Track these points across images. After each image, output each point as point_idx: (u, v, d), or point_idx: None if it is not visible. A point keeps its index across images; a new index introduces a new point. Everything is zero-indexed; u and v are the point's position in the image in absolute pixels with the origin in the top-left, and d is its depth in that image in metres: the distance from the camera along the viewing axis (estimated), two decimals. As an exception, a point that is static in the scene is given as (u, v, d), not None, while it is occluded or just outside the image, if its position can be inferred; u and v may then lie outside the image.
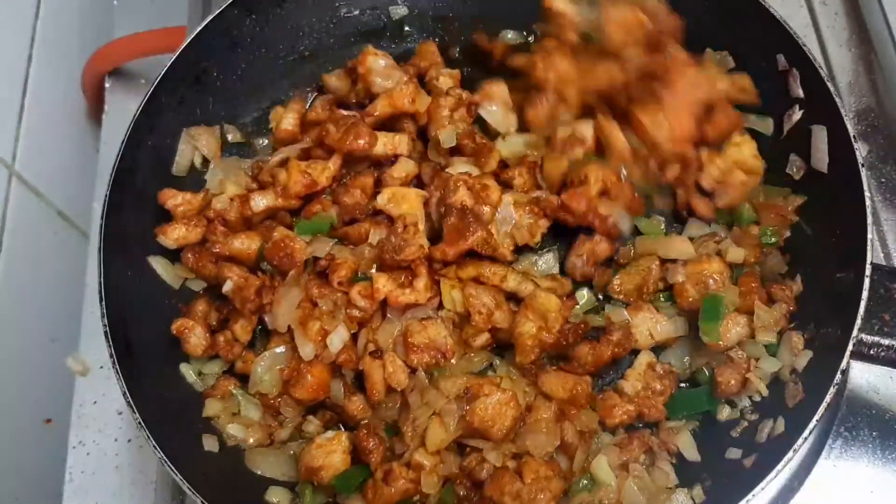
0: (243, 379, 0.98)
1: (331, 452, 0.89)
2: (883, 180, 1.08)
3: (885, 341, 0.83)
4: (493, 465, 0.87)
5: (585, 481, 0.89)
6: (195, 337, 0.95)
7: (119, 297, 0.91)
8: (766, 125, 0.98)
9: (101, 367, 1.06)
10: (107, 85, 1.25)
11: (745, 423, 0.91)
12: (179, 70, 1.01)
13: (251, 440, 0.94)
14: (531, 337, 0.92)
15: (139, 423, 0.84)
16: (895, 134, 1.11)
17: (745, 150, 0.95)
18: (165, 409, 0.90)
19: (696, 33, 1.03)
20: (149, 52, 1.19)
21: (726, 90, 0.94)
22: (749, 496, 0.80)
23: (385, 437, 0.92)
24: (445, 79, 1.06)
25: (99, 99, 1.26)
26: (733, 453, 0.89)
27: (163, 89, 0.99)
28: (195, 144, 1.05)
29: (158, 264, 0.99)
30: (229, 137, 1.10)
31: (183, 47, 1.01)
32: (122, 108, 1.21)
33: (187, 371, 0.98)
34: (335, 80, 1.11)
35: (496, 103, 1.06)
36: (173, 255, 1.00)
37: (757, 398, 0.92)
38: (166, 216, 1.01)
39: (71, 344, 1.10)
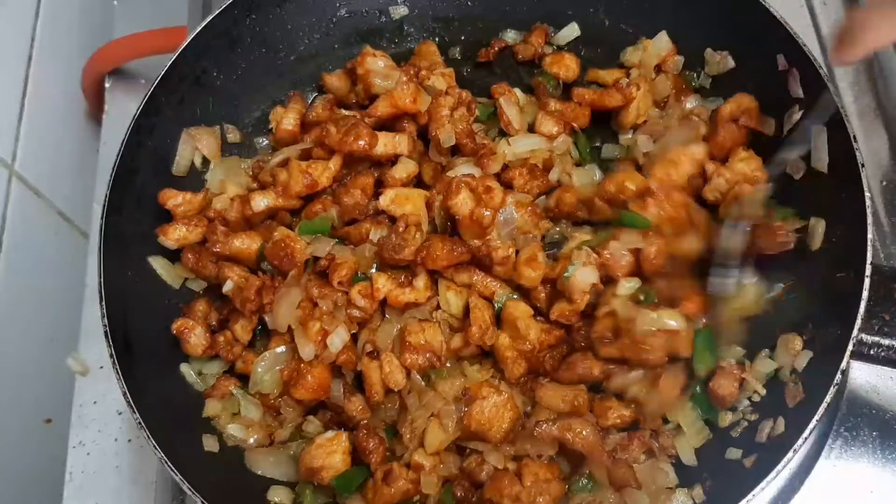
0: (243, 379, 0.98)
1: (331, 453, 0.89)
2: (883, 181, 1.08)
3: (886, 341, 0.83)
4: (494, 467, 0.87)
5: (585, 481, 0.89)
6: (195, 337, 0.95)
7: (119, 297, 0.91)
8: (768, 125, 0.98)
9: (101, 367, 1.06)
10: (107, 85, 1.25)
11: (746, 423, 0.91)
12: (179, 70, 1.01)
13: (251, 440, 0.94)
14: (508, 348, 0.91)
15: (139, 423, 0.84)
16: (895, 134, 1.11)
17: (752, 164, 0.94)
18: (166, 409, 0.90)
19: (696, 33, 1.03)
20: (149, 52, 1.19)
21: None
22: (749, 496, 0.80)
23: (385, 437, 0.92)
24: (438, 79, 1.06)
25: (99, 99, 1.26)
26: (733, 453, 0.88)
27: (163, 89, 0.99)
28: (195, 144, 1.05)
29: (158, 264, 0.99)
30: (229, 137, 1.10)
31: (183, 47, 1.01)
32: (122, 108, 1.22)
33: (187, 371, 0.98)
34: (335, 81, 1.11)
35: (513, 103, 1.06)
36: (173, 255, 1.00)
37: (756, 398, 0.92)
38: (166, 216, 1.01)
39: (71, 344, 1.10)
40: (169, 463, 0.83)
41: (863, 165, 0.86)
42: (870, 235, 0.84)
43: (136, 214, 0.98)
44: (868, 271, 0.82)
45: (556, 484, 0.85)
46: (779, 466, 0.79)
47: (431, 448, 0.88)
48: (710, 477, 0.89)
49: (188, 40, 1.01)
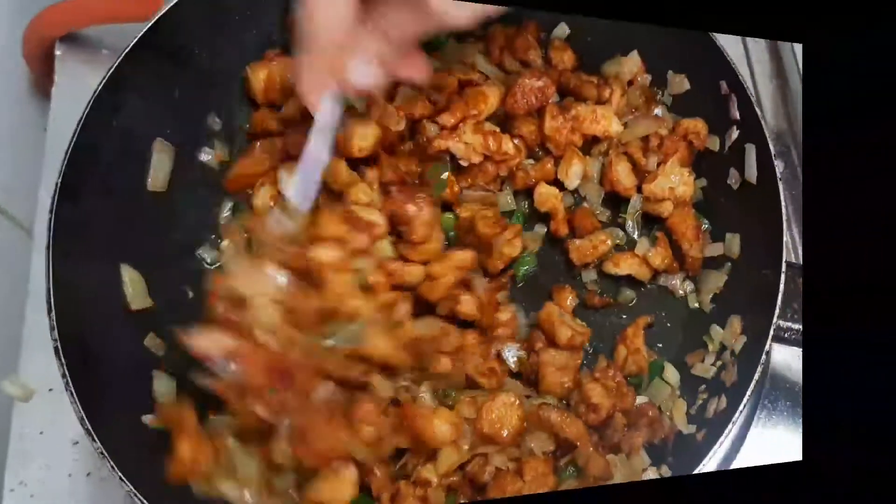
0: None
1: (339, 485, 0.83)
2: (794, 192, 1.28)
3: (796, 325, 0.98)
4: (496, 468, 0.90)
5: (572, 469, 0.95)
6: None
7: (72, 303, 0.80)
8: (714, 142, 1.13)
9: (50, 390, 0.91)
10: (57, 53, 1.06)
11: (700, 402, 1.04)
12: (153, 42, 0.89)
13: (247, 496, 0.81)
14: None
15: (101, 452, 0.74)
16: (800, 151, 1.33)
17: (668, 182, 1.06)
18: (134, 434, 0.81)
19: (658, 58, 1.15)
20: (113, 18, 1.02)
21: None
22: (701, 465, 0.91)
23: (389, 462, 0.90)
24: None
25: (47, 68, 1.07)
26: (690, 429, 1.00)
27: (131, 61, 0.87)
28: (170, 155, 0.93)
29: (128, 276, 0.88)
30: (214, 127, 1.01)
31: (158, 17, 0.89)
32: (78, 80, 1.03)
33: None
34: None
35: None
36: (146, 268, 0.90)
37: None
38: (138, 204, 0.90)
39: (9, 364, 0.94)
40: (140, 498, 0.74)
41: (780, 179, 1.01)
42: (785, 238, 0.99)
43: (96, 204, 0.86)
44: (784, 268, 0.97)
45: (552, 477, 0.90)
46: (721, 437, 0.91)
47: (443, 469, 0.88)
48: (672, 453, 1.00)
49: (164, 9, 0.90)
